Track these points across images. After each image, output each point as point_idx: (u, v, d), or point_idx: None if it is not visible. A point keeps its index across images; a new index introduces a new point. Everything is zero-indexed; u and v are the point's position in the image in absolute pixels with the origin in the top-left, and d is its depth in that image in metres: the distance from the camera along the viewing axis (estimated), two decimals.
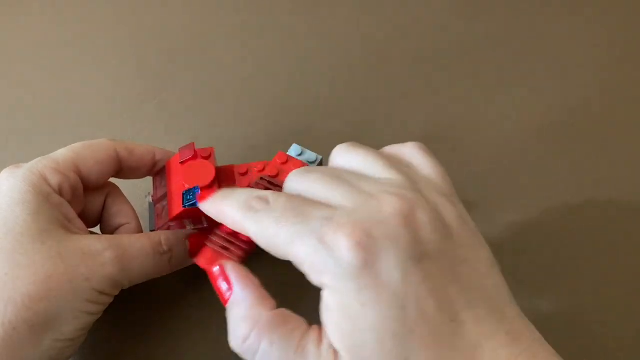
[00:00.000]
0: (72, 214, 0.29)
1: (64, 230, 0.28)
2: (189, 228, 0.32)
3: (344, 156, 0.27)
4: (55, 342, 0.26)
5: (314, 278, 0.23)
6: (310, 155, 0.35)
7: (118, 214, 0.33)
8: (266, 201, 0.25)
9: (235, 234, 0.28)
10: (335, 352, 0.22)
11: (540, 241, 0.37)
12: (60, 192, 0.29)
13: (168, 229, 0.32)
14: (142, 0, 0.52)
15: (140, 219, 0.34)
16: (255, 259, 0.35)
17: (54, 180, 0.29)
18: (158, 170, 0.34)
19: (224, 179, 0.34)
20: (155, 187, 0.34)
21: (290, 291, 0.34)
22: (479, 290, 0.23)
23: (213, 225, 0.33)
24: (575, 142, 0.42)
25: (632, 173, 0.40)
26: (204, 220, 0.32)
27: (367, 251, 0.22)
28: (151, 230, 0.33)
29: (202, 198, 0.28)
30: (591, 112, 0.44)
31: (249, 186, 0.31)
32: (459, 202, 0.26)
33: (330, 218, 0.23)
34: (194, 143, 0.33)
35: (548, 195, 0.39)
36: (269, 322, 0.24)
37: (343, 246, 0.22)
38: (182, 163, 0.33)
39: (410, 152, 0.27)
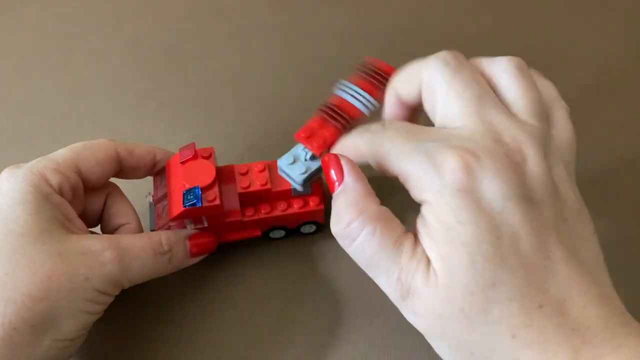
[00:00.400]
0: (73, 214, 0.29)
1: (64, 230, 0.28)
2: (190, 228, 0.32)
3: (508, 73, 0.26)
4: (55, 342, 0.26)
5: (416, 193, 0.24)
6: (309, 152, 0.35)
7: (118, 214, 0.33)
8: (382, 124, 0.26)
9: (342, 106, 0.31)
10: (428, 260, 0.23)
11: None
12: (60, 192, 0.29)
13: (168, 228, 0.32)
14: (142, 1, 0.52)
15: (140, 219, 0.34)
16: (257, 263, 0.35)
17: (54, 180, 0.29)
18: (158, 170, 0.34)
19: (225, 178, 0.34)
20: (155, 187, 0.34)
21: (294, 292, 0.34)
22: (576, 250, 0.23)
23: (214, 225, 0.33)
24: None
25: None
26: (205, 219, 0.32)
27: (473, 175, 0.23)
28: (151, 230, 0.33)
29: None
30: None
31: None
32: (573, 173, 0.26)
33: (443, 141, 0.24)
34: (194, 143, 0.33)
35: None
36: (376, 213, 0.25)
37: (450, 165, 0.23)
38: (182, 163, 0.33)
39: (559, 108, 0.27)
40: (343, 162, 0.26)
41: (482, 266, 0.22)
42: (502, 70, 0.26)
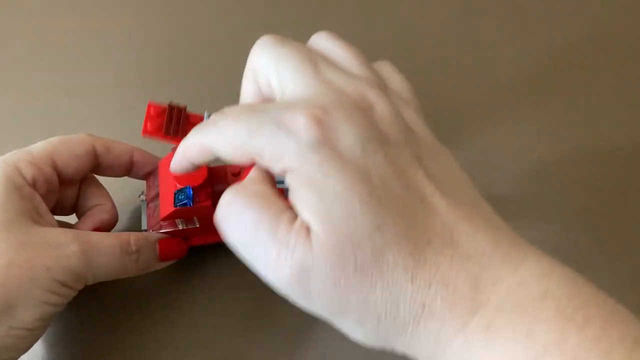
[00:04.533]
0: (43, 207, 0.30)
1: (32, 222, 0.28)
2: (181, 228, 0.33)
3: (326, 40, 0.26)
4: (10, 330, 0.26)
5: (276, 167, 0.22)
6: None
7: (92, 196, 0.33)
8: (222, 112, 0.25)
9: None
10: (307, 228, 0.21)
11: None
12: (33, 185, 0.30)
13: (160, 228, 0.32)
14: (142, 1, 0.52)
15: (133, 218, 0.34)
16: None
17: (28, 172, 0.29)
18: (151, 170, 0.35)
19: (217, 179, 0.34)
20: (148, 187, 0.34)
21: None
22: (448, 182, 0.23)
23: (205, 225, 0.33)
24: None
25: None
26: (196, 220, 0.32)
27: (326, 127, 0.22)
28: (143, 230, 0.33)
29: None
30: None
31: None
32: (422, 116, 0.26)
33: (289, 107, 0.23)
34: None
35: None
36: (252, 192, 0.23)
37: (301, 123, 0.22)
38: None
39: (383, 64, 0.27)
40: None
41: (361, 211, 0.21)
42: (321, 39, 0.26)
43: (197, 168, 0.27)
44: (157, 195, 0.33)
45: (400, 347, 0.22)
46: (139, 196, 0.35)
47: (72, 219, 0.34)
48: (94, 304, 0.34)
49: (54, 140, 0.32)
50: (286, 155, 0.22)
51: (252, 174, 0.25)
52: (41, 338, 0.32)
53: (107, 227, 0.32)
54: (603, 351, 0.18)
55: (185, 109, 0.31)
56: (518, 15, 0.51)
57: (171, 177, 0.32)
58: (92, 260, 0.28)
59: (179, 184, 0.32)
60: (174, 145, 0.33)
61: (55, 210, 0.31)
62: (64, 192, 0.33)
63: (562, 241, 0.36)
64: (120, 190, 0.36)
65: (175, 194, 0.31)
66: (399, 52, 0.48)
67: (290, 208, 0.22)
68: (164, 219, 0.32)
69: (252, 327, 0.33)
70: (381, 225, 0.21)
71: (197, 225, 0.33)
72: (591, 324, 0.19)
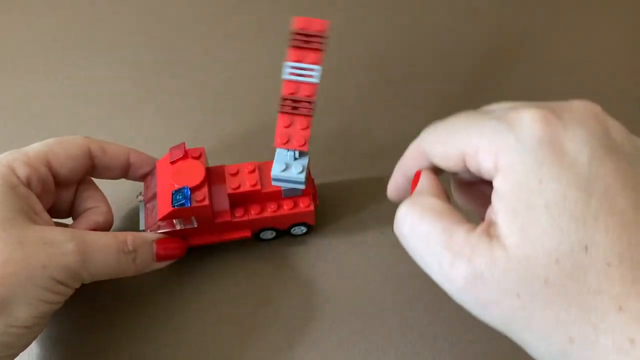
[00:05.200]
0: (39, 206, 0.30)
1: (28, 220, 0.28)
2: (179, 228, 0.33)
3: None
4: (8, 328, 0.26)
5: (488, 164, 0.21)
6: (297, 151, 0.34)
7: (88, 199, 0.33)
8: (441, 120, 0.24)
9: (295, 92, 0.31)
10: (490, 238, 0.20)
11: None
12: (28, 185, 0.30)
13: (158, 228, 0.32)
14: (142, 1, 0.52)
15: (132, 219, 0.34)
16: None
17: (23, 172, 0.29)
18: (148, 171, 0.35)
19: (215, 179, 0.34)
20: (146, 187, 0.34)
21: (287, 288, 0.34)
22: None
23: (203, 225, 0.33)
24: None
25: None
26: (194, 220, 0.32)
27: (553, 126, 0.20)
28: (141, 230, 0.33)
29: None
30: None
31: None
32: None
33: (515, 105, 0.22)
34: (184, 143, 0.33)
35: None
36: (428, 204, 0.23)
37: (526, 119, 0.20)
38: (172, 163, 0.33)
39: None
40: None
41: (569, 227, 0.19)
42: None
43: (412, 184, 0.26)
44: (155, 196, 0.33)
45: None
46: (137, 196, 0.35)
47: (69, 222, 0.34)
48: (92, 304, 0.34)
49: (49, 141, 0.32)
50: (502, 150, 0.21)
51: (422, 185, 0.24)
52: (39, 338, 0.32)
53: (101, 229, 0.32)
54: None
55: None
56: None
57: (169, 177, 0.32)
58: (88, 258, 0.28)
59: (177, 183, 0.32)
60: (170, 146, 0.34)
61: (51, 213, 0.31)
62: (61, 195, 0.33)
63: None
64: (119, 191, 0.36)
65: (173, 194, 0.31)
66: (399, 51, 0.48)
67: (465, 221, 0.22)
68: (162, 219, 0.32)
69: (250, 328, 0.33)
70: (590, 245, 0.19)
71: (195, 225, 0.33)
72: None
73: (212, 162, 0.35)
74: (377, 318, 0.33)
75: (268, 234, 0.35)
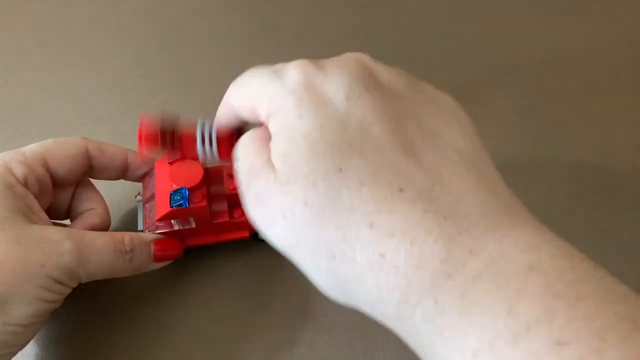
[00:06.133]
0: (36, 206, 0.30)
1: (25, 219, 0.28)
2: (177, 228, 0.32)
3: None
4: (5, 326, 0.26)
5: (262, 111, 0.23)
6: None
7: (86, 200, 0.33)
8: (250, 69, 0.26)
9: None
10: (272, 166, 0.22)
11: None
12: (25, 184, 0.30)
13: (156, 228, 0.32)
14: (143, 1, 0.52)
15: (130, 219, 0.34)
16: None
17: (20, 172, 0.30)
18: (147, 172, 0.35)
19: (213, 179, 0.34)
20: (144, 187, 0.34)
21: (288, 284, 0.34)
22: (449, 141, 0.21)
23: (201, 226, 0.33)
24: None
25: None
26: (192, 220, 0.32)
27: (313, 74, 0.22)
28: (140, 231, 0.33)
29: None
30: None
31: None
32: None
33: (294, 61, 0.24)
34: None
35: None
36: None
37: (292, 69, 0.23)
38: (170, 163, 0.33)
39: None
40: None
41: (324, 152, 0.20)
42: None
43: (239, 124, 0.28)
44: (153, 196, 0.33)
45: (363, 303, 0.21)
46: (136, 197, 0.35)
47: (67, 224, 0.34)
48: (91, 304, 0.34)
49: (47, 141, 0.32)
50: (272, 98, 0.23)
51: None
52: (38, 337, 0.32)
53: (97, 231, 0.32)
54: (595, 332, 0.16)
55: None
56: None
57: (167, 178, 0.32)
58: (85, 258, 0.28)
59: (175, 184, 0.32)
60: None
61: (49, 214, 0.31)
62: (59, 195, 0.33)
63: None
64: (117, 191, 0.36)
65: (171, 194, 0.31)
66: (400, 50, 0.48)
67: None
68: (160, 220, 0.32)
69: (250, 328, 0.33)
70: (343, 168, 0.20)
71: (193, 226, 0.33)
72: (583, 302, 0.17)
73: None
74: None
75: None
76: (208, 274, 0.35)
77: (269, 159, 0.22)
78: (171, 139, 0.29)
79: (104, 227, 0.33)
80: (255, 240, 0.35)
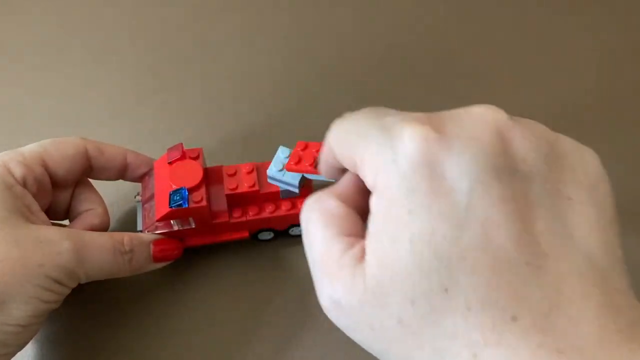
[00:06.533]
0: (35, 206, 0.30)
1: (24, 219, 0.28)
2: (177, 228, 0.32)
3: None
4: (4, 326, 0.26)
5: (368, 177, 0.19)
6: None
7: (85, 200, 0.33)
8: (351, 113, 0.22)
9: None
10: (358, 263, 0.19)
11: None
12: (24, 184, 0.30)
13: (155, 229, 0.32)
14: (142, 1, 0.52)
15: (129, 219, 0.34)
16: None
17: (18, 172, 0.30)
18: (146, 172, 0.34)
19: (213, 179, 0.34)
20: (143, 188, 0.34)
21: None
22: (580, 240, 0.18)
23: (202, 226, 0.33)
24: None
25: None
26: (192, 221, 0.32)
27: (435, 147, 0.18)
28: (139, 231, 0.33)
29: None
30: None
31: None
32: None
33: (407, 114, 0.20)
34: (182, 143, 0.33)
35: None
36: (330, 207, 0.21)
37: (406, 136, 0.18)
38: (170, 163, 0.33)
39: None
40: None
41: (430, 266, 0.17)
42: None
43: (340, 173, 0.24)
44: (152, 196, 0.33)
45: None
46: (135, 197, 0.35)
47: (66, 224, 0.34)
48: (91, 304, 0.34)
49: (45, 142, 0.32)
50: (380, 168, 0.19)
51: (340, 182, 0.23)
52: (37, 337, 0.32)
53: (97, 231, 0.32)
54: None
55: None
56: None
57: (166, 178, 0.32)
58: (84, 258, 0.28)
59: (175, 184, 0.32)
60: (168, 147, 0.33)
61: (49, 214, 0.31)
62: (58, 196, 0.33)
63: None
64: (117, 191, 0.36)
65: (170, 194, 0.31)
66: (400, 51, 0.48)
67: (356, 233, 0.20)
68: (160, 220, 0.31)
69: (250, 328, 0.33)
70: (450, 288, 0.17)
71: (193, 226, 0.33)
72: None
73: (210, 163, 0.35)
74: None
75: (266, 235, 0.35)
76: (208, 274, 0.35)
77: (348, 250, 0.19)
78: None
79: (103, 227, 0.33)
80: (254, 240, 0.35)
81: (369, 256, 0.19)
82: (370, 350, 0.20)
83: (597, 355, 0.16)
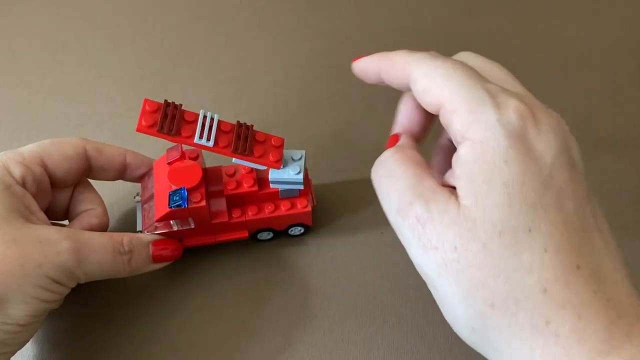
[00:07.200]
0: (35, 206, 0.30)
1: (23, 219, 0.28)
2: (176, 229, 0.32)
3: (475, 58, 0.27)
4: (3, 325, 0.27)
5: (460, 127, 0.23)
6: (294, 152, 0.34)
7: (84, 201, 0.33)
8: (437, 55, 0.26)
9: None
10: (452, 196, 0.22)
11: None
12: (23, 184, 0.30)
13: (155, 229, 0.32)
14: (143, 1, 0.52)
15: (129, 220, 0.34)
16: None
17: (17, 172, 0.30)
18: (145, 172, 0.35)
19: (212, 180, 0.34)
20: (143, 188, 0.34)
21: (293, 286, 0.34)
22: (603, 229, 0.23)
23: (200, 226, 0.33)
24: None
25: None
26: (191, 221, 0.32)
27: (530, 125, 0.22)
28: (139, 231, 0.33)
29: None
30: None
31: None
32: None
33: (505, 89, 0.24)
34: (181, 144, 0.33)
35: None
36: (408, 150, 0.26)
37: (513, 108, 0.22)
38: (169, 164, 0.33)
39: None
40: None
41: (520, 209, 0.21)
42: (472, 58, 0.27)
43: (376, 81, 0.29)
44: (152, 197, 0.33)
45: (493, 351, 0.22)
46: (134, 197, 0.35)
47: (66, 224, 0.34)
48: (91, 304, 0.34)
49: (44, 142, 0.32)
50: (479, 123, 0.22)
51: (403, 141, 0.27)
52: (37, 338, 0.32)
53: (96, 231, 0.32)
54: None
55: (180, 106, 0.31)
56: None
57: (166, 178, 0.32)
58: (83, 258, 0.28)
59: (174, 184, 0.32)
60: (168, 146, 0.33)
61: (48, 214, 0.31)
62: (57, 196, 0.33)
63: None
64: (116, 191, 0.36)
65: (170, 195, 0.31)
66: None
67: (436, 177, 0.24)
68: (159, 220, 0.31)
69: (249, 328, 0.33)
70: (533, 229, 0.21)
71: (192, 226, 0.33)
72: None
73: (210, 163, 0.35)
74: (377, 318, 0.33)
75: (265, 235, 0.35)
76: (208, 274, 0.35)
77: (437, 188, 0.23)
78: (170, 125, 0.29)
79: (103, 227, 0.33)
80: (253, 240, 0.35)
81: (461, 190, 0.22)
82: (437, 276, 0.22)
83: (633, 309, 0.21)
